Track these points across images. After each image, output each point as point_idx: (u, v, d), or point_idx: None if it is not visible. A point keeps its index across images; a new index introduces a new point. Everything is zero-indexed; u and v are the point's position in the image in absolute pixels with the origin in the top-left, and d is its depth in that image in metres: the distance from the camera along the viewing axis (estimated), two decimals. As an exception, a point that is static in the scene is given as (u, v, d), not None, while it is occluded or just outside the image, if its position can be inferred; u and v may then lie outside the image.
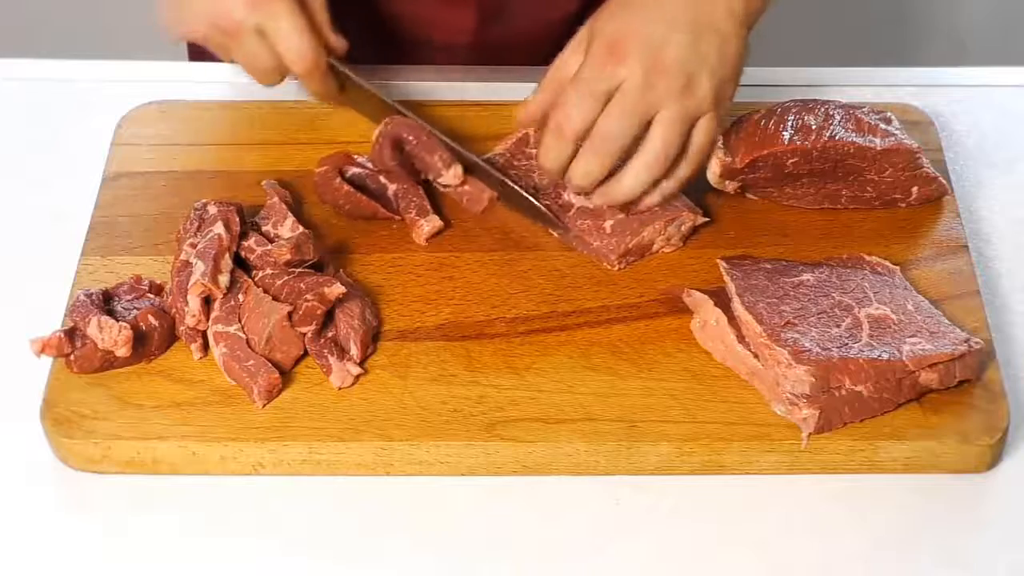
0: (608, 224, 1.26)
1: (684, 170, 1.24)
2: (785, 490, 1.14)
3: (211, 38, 1.30)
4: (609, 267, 1.26)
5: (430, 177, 1.30)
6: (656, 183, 1.24)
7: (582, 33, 1.24)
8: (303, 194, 1.30)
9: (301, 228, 1.23)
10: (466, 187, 1.30)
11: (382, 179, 1.29)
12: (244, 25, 1.27)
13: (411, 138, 1.30)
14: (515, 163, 1.32)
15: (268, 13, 1.27)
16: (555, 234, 1.28)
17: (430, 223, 1.27)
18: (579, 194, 1.27)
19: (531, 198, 1.28)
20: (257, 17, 1.27)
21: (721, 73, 1.22)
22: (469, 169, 1.30)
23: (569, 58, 1.24)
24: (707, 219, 1.28)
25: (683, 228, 1.27)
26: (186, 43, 1.58)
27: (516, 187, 1.28)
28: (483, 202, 1.29)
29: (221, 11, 1.28)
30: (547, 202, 1.28)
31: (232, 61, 1.32)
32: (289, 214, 1.24)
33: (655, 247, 1.27)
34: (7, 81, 1.44)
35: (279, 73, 1.31)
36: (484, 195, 1.29)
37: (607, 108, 1.21)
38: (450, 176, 1.29)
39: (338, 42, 1.32)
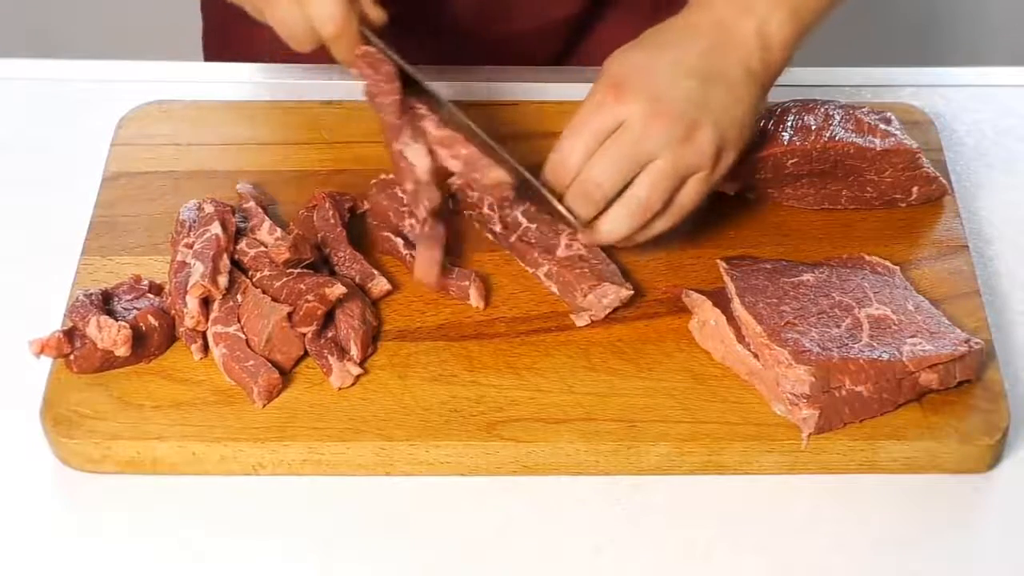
0: (542, 270, 1.23)
1: (660, 225, 1.19)
2: (785, 490, 1.14)
3: None
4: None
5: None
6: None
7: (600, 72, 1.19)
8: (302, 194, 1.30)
9: (279, 231, 1.23)
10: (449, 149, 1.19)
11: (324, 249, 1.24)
12: None
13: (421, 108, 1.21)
14: None
15: None
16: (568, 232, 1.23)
17: (377, 286, 1.22)
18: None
19: (547, 193, 1.20)
20: None
21: (725, 130, 1.17)
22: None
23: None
24: (631, 292, 1.21)
25: (604, 301, 1.20)
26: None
27: (534, 180, 1.20)
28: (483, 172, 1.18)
29: None
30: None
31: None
32: (266, 217, 1.24)
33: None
34: (7, 81, 1.44)
35: (312, 38, 1.20)
36: (490, 173, 1.19)
37: (600, 150, 1.16)
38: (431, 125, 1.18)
39: (376, 14, 1.22)
